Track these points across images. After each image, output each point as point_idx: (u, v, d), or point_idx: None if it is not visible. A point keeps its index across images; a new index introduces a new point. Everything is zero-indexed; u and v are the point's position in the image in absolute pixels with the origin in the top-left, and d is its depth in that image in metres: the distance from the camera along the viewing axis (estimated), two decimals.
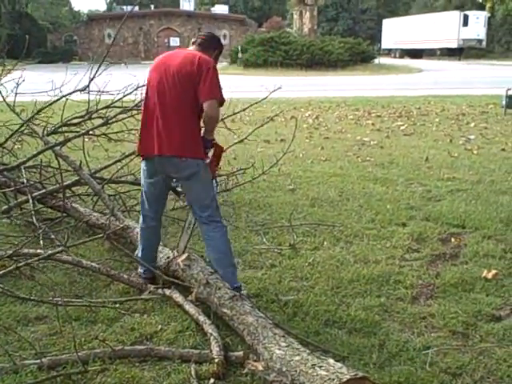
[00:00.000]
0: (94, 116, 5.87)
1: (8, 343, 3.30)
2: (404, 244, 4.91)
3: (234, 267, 3.88)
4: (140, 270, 4.08)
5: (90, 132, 5.84)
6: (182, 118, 3.62)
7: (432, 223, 5.43)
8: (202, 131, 3.74)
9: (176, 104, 3.61)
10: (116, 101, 5.97)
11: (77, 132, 5.82)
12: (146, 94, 3.77)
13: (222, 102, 3.68)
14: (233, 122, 11.83)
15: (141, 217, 4.01)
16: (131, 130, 6.25)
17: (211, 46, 3.87)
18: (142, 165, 3.85)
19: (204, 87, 3.55)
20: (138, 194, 5.68)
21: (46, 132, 5.30)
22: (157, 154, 3.64)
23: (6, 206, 5.32)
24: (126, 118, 6.07)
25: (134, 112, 5.90)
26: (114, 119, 5.82)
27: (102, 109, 5.90)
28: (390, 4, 65.83)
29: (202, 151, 3.70)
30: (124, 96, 5.95)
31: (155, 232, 4.03)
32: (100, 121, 5.84)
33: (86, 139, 5.94)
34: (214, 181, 3.90)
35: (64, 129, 6.00)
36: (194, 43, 3.89)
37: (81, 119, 5.99)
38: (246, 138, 6.50)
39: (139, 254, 4.04)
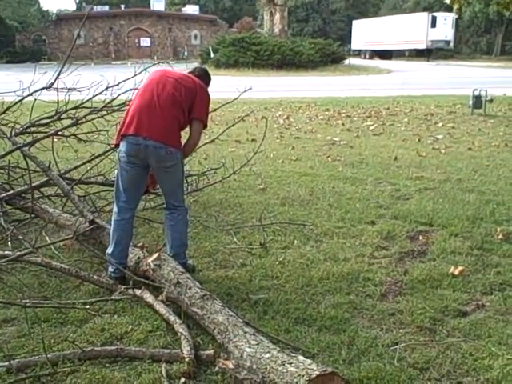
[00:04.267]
0: (63, 116, 5.80)
1: None
2: (373, 242, 4.97)
3: (186, 246, 4.25)
4: (110, 270, 4.07)
5: (59, 132, 5.77)
6: (172, 114, 3.91)
7: (400, 221, 5.50)
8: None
9: (171, 100, 3.90)
10: (85, 101, 5.91)
11: (45, 132, 5.75)
12: (142, 87, 4.06)
13: (205, 124, 4.14)
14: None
15: (115, 208, 4.06)
16: (101, 130, 6.21)
17: (205, 80, 4.27)
18: (122, 148, 3.91)
19: (200, 107, 4.03)
20: (107, 194, 5.67)
21: (13, 132, 5.23)
22: (145, 136, 3.82)
23: None
24: (95, 119, 6.02)
25: (104, 113, 5.85)
26: (83, 119, 5.76)
27: (71, 109, 5.83)
28: (360, 5, 66.39)
29: (181, 146, 4.02)
30: (94, 96, 5.89)
31: (129, 226, 4.07)
32: (69, 121, 5.77)
33: (55, 139, 5.87)
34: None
35: (32, 129, 5.92)
36: (190, 73, 4.27)
37: (50, 120, 5.92)
38: (216, 138, 6.51)
39: (109, 251, 4.03)
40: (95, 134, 6.42)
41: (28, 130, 5.82)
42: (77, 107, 5.93)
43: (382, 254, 4.71)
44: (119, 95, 5.79)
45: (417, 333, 3.44)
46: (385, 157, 8.66)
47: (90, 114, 5.87)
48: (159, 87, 3.94)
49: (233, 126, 6.91)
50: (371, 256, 4.66)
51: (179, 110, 3.93)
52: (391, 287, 4.08)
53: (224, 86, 13.80)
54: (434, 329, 3.48)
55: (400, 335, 3.40)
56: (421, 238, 5.07)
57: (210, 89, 4.25)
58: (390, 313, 3.69)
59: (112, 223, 4.07)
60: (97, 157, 5.70)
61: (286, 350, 2.97)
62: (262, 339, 2.99)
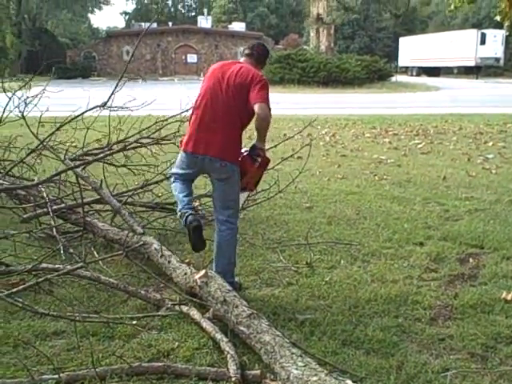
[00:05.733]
0: (113, 148, 5.94)
1: (26, 358, 3.32)
2: (422, 264, 4.88)
3: (234, 265, 4.25)
4: (179, 207, 4.15)
5: (111, 160, 6.04)
6: (228, 124, 4.00)
7: (450, 243, 5.39)
8: (255, 139, 4.10)
9: (226, 110, 3.98)
10: (139, 137, 6.06)
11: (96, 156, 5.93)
12: (199, 97, 4.11)
13: (267, 104, 3.97)
14: (249, 140, 11.91)
15: (172, 178, 4.27)
16: (150, 165, 6.40)
17: (264, 58, 4.31)
18: (182, 155, 4.13)
19: (254, 93, 3.92)
20: (158, 219, 5.73)
21: (67, 157, 5.42)
22: (202, 154, 3.98)
23: (25, 215, 5.37)
24: (146, 145, 6.17)
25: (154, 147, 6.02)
26: (132, 145, 6.01)
27: (121, 141, 5.99)
28: (407, 22, 65.92)
29: (239, 157, 4.08)
30: (141, 130, 6.08)
31: (187, 184, 4.23)
32: (120, 153, 5.98)
33: (106, 165, 6.01)
34: (247, 191, 4.42)
35: (85, 157, 6.10)
36: (247, 55, 4.22)
37: (101, 150, 6.12)
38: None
39: (179, 208, 4.13)
40: (144, 167, 6.56)
41: (80, 158, 5.99)
42: (126, 138, 6.08)
43: (431, 277, 4.61)
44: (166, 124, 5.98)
45: (468, 359, 3.35)
46: (433, 176, 8.52)
47: (139, 146, 6.06)
48: (213, 101, 4.01)
49: (279, 144, 6.92)
50: (420, 278, 4.58)
51: (235, 116, 4.00)
52: (441, 311, 3.99)
53: (271, 102, 13.73)
54: (486, 356, 3.38)
55: (450, 361, 3.32)
56: (471, 260, 4.95)
57: None
58: (439, 338, 3.61)
59: (173, 187, 4.25)
60: (148, 185, 5.88)
61: (334, 373, 2.93)
62: (309, 361, 2.95)
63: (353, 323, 3.77)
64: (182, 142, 4.22)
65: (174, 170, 4.29)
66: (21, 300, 3.67)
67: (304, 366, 2.87)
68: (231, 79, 3.98)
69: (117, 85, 4.84)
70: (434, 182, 8.08)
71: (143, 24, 57.80)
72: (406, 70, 54.27)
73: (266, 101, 3.93)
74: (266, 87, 3.99)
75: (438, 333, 3.67)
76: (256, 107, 3.88)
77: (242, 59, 4.27)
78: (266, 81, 4.03)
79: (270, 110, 3.97)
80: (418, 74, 51.97)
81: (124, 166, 6.29)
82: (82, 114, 5.22)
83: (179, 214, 4.13)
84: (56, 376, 3.02)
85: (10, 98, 4.77)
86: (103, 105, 5.03)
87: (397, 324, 3.77)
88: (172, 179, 4.30)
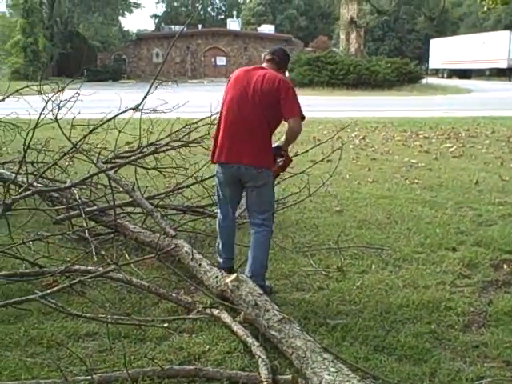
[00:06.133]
0: (144, 151, 6.01)
1: (60, 358, 3.36)
2: (454, 269, 4.81)
3: (266, 268, 4.28)
4: (220, 260, 4.45)
5: (142, 163, 6.14)
6: (258, 130, 4.04)
7: (483, 249, 5.31)
8: (281, 141, 4.21)
9: (254, 117, 4.01)
10: (169, 140, 6.10)
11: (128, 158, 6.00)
12: (224, 106, 4.14)
13: (303, 117, 4.10)
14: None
15: (219, 215, 4.39)
16: (180, 167, 6.44)
17: (285, 63, 4.33)
18: (219, 170, 4.20)
19: (287, 105, 3.99)
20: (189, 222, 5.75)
21: (99, 160, 5.51)
22: (235, 162, 4.05)
23: (58, 217, 5.45)
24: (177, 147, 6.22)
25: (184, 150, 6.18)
26: (163, 154, 6.12)
27: (152, 144, 6.05)
28: (439, 24, 65.21)
29: (273, 162, 4.17)
30: (171, 133, 6.13)
31: (232, 229, 4.45)
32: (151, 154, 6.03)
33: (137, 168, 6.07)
34: None
35: (116, 160, 6.17)
36: (268, 61, 4.25)
37: (132, 153, 6.20)
38: (294, 156, 6.48)
39: (219, 248, 4.43)
40: (174, 169, 6.58)
41: (111, 161, 6.07)
42: (157, 141, 6.14)
43: (464, 283, 4.55)
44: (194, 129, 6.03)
45: (503, 368, 3.29)
46: (465, 180, 8.41)
47: (170, 149, 6.10)
48: (241, 110, 4.04)
49: (311, 149, 6.87)
50: (453, 284, 4.51)
51: (265, 123, 4.03)
52: (475, 318, 3.93)
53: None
54: None
55: (485, 369, 3.26)
56: (505, 266, 4.87)
57: None
58: (473, 345, 3.55)
59: (217, 226, 4.44)
60: (180, 188, 5.91)
61: (367, 379, 2.91)
62: (342, 367, 2.93)
63: (385, 329, 3.74)
64: (212, 154, 4.25)
65: (216, 198, 4.48)
66: (54, 301, 3.71)
67: (336, 372, 2.85)
68: (258, 86, 4.01)
69: (150, 88, 4.88)
70: (467, 187, 7.97)
71: (173, 27, 58.26)
72: (436, 72, 53.73)
73: (299, 113, 4.04)
74: (296, 94, 4.06)
75: (471, 340, 3.62)
76: (291, 121, 4.02)
77: (263, 64, 4.30)
78: (293, 87, 4.10)
79: (304, 118, 4.10)
80: (449, 76, 51.37)
81: (155, 168, 6.34)
82: (115, 116, 5.27)
83: (218, 264, 4.44)
84: (89, 377, 3.04)
85: (46, 102, 4.83)
86: (136, 107, 5.07)
87: (429, 330, 3.72)
88: (218, 214, 4.44)
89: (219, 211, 4.41)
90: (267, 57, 4.30)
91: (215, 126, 4.36)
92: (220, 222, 4.41)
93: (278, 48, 4.41)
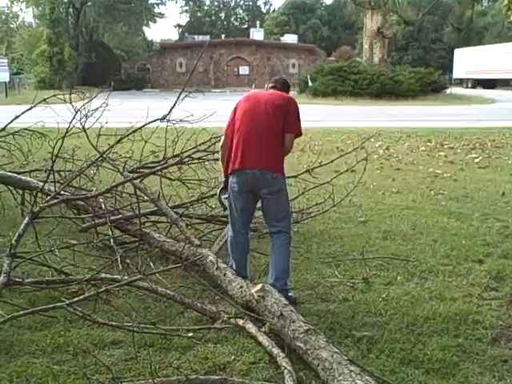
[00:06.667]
0: (169, 161, 6.05)
1: (85, 366, 3.38)
2: (481, 282, 4.75)
3: (288, 274, 4.31)
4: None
5: (165, 173, 6.19)
6: (273, 139, 4.22)
7: (510, 261, 5.23)
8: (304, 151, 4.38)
9: (268, 127, 4.21)
10: (193, 152, 6.15)
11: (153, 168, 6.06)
12: (238, 119, 4.31)
13: (298, 135, 4.40)
14: (302, 152, 11.88)
15: (230, 232, 4.45)
16: (203, 180, 6.48)
17: (287, 89, 4.62)
18: (233, 179, 4.26)
19: (290, 121, 4.27)
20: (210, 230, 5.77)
21: (125, 169, 5.58)
22: (251, 167, 4.16)
23: (84, 225, 5.50)
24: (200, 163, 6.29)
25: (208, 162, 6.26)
26: (187, 159, 6.13)
27: (177, 155, 6.08)
28: (463, 34, 64.75)
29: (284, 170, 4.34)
30: (197, 145, 6.18)
31: (245, 246, 4.49)
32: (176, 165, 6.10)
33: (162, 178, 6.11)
34: None
35: (141, 170, 6.23)
36: (272, 87, 4.59)
37: (157, 163, 6.27)
38: (316, 167, 6.48)
39: (232, 266, 4.46)
40: (197, 181, 6.62)
41: (137, 170, 6.13)
42: (182, 152, 6.16)
43: (491, 296, 4.49)
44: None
45: None
46: (491, 191, 8.31)
47: (194, 161, 6.19)
48: (254, 121, 4.22)
49: (336, 159, 6.87)
50: (480, 297, 4.45)
51: (277, 132, 4.22)
52: (503, 332, 3.87)
53: (323, 114, 13.80)
54: None
55: None
56: None
57: (309, 117, 4.37)
58: (502, 359, 3.49)
59: (229, 244, 4.50)
60: (204, 198, 5.96)
61: None
62: (368, 379, 2.91)
63: (411, 341, 3.70)
64: (225, 170, 4.38)
65: (228, 218, 4.48)
66: (80, 309, 3.73)
67: None
68: (269, 101, 4.28)
69: (178, 98, 4.92)
70: (493, 198, 7.87)
71: (196, 36, 58.69)
72: (460, 82, 53.25)
73: (297, 132, 4.33)
74: (299, 114, 4.34)
75: (500, 354, 3.56)
76: (287, 137, 4.26)
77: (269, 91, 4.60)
78: (295, 101, 4.41)
79: (301, 133, 4.40)
80: (474, 86, 50.91)
81: (179, 179, 6.38)
82: (142, 126, 5.32)
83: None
84: None
85: (76, 112, 4.89)
86: (163, 118, 5.12)
87: (457, 344, 3.68)
88: (230, 231, 4.50)
89: (230, 229, 4.48)
90: (270, 85, 4.64)
91: (221, 141, 4.55)
92: (231, 239, 4.47)
93: (279, 77, 4.82)
